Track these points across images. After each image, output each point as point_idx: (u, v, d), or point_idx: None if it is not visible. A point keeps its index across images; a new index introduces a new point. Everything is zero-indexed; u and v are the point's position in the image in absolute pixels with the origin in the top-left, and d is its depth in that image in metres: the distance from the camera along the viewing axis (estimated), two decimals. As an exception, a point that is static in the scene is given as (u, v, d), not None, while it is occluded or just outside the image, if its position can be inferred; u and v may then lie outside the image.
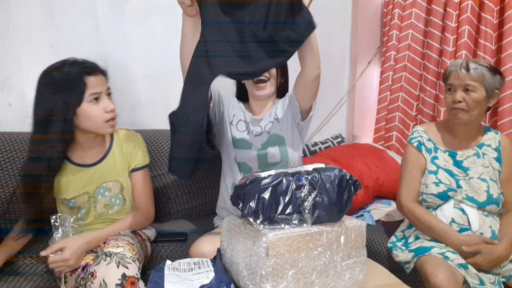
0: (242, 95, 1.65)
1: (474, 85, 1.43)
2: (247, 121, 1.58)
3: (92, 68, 1.36)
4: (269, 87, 1.55)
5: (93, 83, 1.33)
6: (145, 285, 1.34)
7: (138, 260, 1.22)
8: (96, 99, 1.34)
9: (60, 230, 1.29)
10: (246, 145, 1.54)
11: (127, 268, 1.15)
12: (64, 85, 1.30)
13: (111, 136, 1.49)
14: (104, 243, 1.30)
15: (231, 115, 1.58)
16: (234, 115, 1.58)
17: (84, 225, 1.45)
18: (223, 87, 1.59)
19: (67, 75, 1.31)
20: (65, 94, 1.30)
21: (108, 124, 1.38)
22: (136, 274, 1.16)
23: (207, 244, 1.39)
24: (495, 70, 1.46)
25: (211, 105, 1.49)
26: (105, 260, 1.15)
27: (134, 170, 1.49)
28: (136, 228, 1.46)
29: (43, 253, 1.25)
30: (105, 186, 1.43)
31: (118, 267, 1.14)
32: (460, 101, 1.45)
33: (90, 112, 1.33)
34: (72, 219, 1.31)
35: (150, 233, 1.59)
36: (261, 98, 1.57)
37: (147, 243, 1.50)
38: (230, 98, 1.64)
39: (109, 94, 1.41)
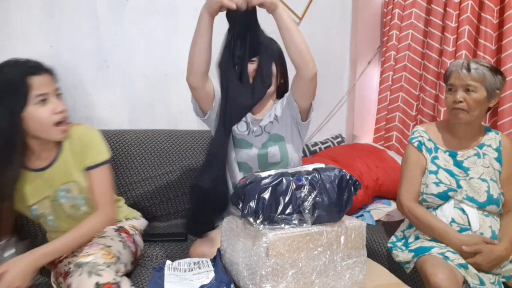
0: None
1: (475, 85, 1.43)
2: (248, 122, 1.58)
3: (35, 68, 1.26)
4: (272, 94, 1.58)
5: (37, 83, 1.24)
6: (142, 281, 1.34)
7: (115, 263, 1.17)
8: (43, 100, 1.25)
9: (3, 254, 1.21)
10: (247, 144, 1.54)
11: (100, 275, 1.09)
12: (6, 88, 1.21)
13: None
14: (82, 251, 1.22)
15: None
16: None
17: (61, 232, 1.37)
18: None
19: (7, 77, 1.22)
20: (7, 98, 1.21)
21: (58, 130, 1.28)
22: (113, 279, 1.11)
23: (207, 244, 1.39)
24: (496, 70, 1.46)
25: (213, 104, 1.50)
26: (76, 272, 1.10)
27: (88, 168, 1.36)
28: (94, 233, 1.32)
29: None
30: (65, 188, 1.35)
31: (89, 276, 1.08)
32: (461, 101, 1.45)
33: (37, 115, 1.24)
34: (14, 239, 1.25)
35: (139, 224, 1.54)
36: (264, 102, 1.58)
37: (136, 237, 1.44)
38: None
39: (58, 95, 1.31)
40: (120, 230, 1.39)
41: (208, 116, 1.52)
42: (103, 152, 1.39)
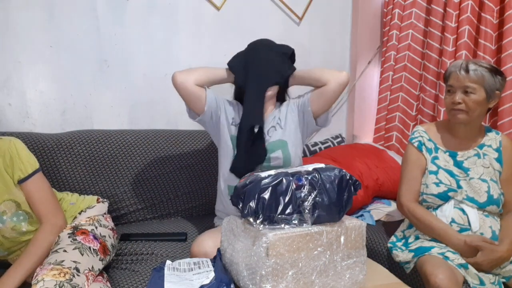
0: (241, 96, 1.64)
1: (473, 87, 1.43)
2: None
3: None
4: (273, 97, 1.60)
5: None
6: (142, 281, 1.34)
7: (71, 279, 1.12)
8: None
9: None
10: None
11: None
12: None
13: None
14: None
15: (229, 118, 1.58)
16: (233, 118, 1.58)
17: (9, 257, 1.35)
18: (219, 91, 1.60)
19: None
20: None
21: None
22: None
23: (208, 241, 1.39)
24: (496, 70, 1.45)
25: (205, 109, 1.51)
26: None
27: (20, 182, 1.28)
28: (46, 248, 1.24)
29: None
30: None
31: None
32: (459, 103, 1.45)
33: None
34: None
35: (97, 210, 1.48)
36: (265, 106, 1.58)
37: (98, 230, 1.37)
38: (231, 102, 1.63)
39: None
40: (76, 232, 1.32)
41: (200, 119, 1.55)
42: (31, 162, 1.30)
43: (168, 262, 1.25)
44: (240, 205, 1.06)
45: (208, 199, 1.97)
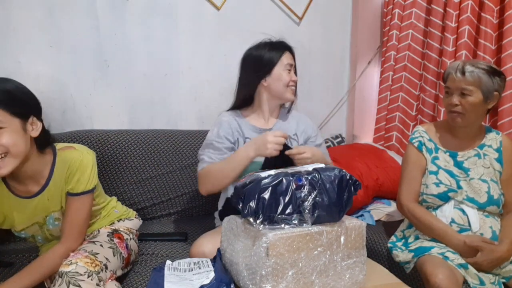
0: (241, 103, 1.63)
1: (470, 89, 1.42)
2: (259, 133, 1.56)
3: None
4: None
5: None
6: (142, 281, 1.35)
7: (99, 272, 1.15)
8: None
9: None
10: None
11: (79, 286, 1.08)
12: None
13: (54, 158, 1.29)
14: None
15: (246, 140, 1.57)
16: (247, 138, 1.57)
17: (44, 247, 1.41)
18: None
19: None
20: None
21: None
22: None
23: (207, 244, 1.39)
24: (494, 71, 1.43)
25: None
26: (57, 281, 1.09)
27: (68, 194, 1.29)
28: (53, 268, 1.21)
29: None
30: (53, 216, 1.32)
31: (68, 287, 1.08)
32: (456, 105, 1.44)
33: None
34: None
35: (133, 224, 1.54)
36: (290, 100, 1.60)
37: (130, 242, 1.43)
38: (239, 127, 1.58)
39: None
40: (114, 234, 1.37)
41: None
42: (87, 182, 1.29)
43: (168, 262, 1.25)
44: (240, 205, 1.06)
45: (208, 199, 1.97)
